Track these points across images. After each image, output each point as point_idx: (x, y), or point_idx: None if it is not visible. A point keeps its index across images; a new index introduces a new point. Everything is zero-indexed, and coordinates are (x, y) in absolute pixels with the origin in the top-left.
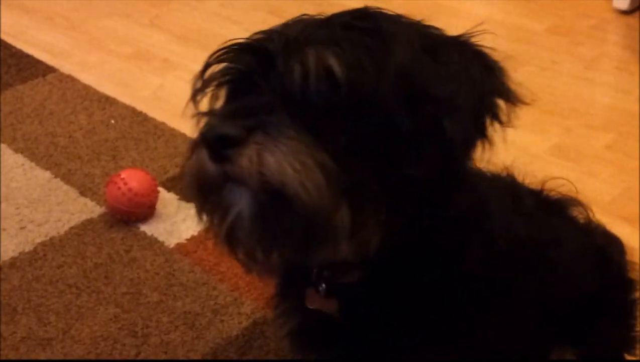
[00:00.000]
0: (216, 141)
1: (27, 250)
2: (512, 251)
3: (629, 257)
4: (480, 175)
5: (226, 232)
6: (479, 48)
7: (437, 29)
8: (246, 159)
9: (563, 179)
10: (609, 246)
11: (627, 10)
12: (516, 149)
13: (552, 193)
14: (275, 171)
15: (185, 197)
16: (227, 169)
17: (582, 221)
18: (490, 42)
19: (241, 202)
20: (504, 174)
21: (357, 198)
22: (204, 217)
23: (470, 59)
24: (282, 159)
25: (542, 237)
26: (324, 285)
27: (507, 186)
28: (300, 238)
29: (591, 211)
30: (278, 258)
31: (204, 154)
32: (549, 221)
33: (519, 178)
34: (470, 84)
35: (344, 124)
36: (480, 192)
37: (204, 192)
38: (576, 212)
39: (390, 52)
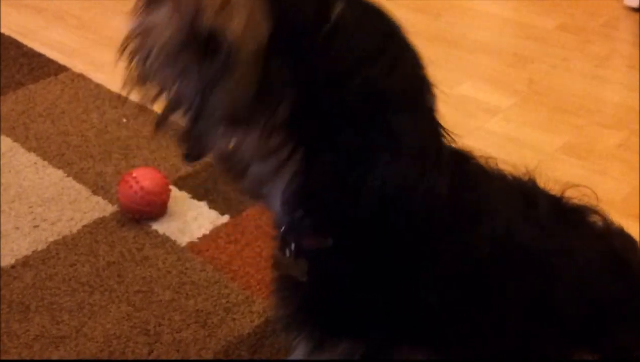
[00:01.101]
0: None
1: (40, 248)
2: (511, 255)
3: None
4: (496, 177)
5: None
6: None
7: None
8: None
9: (585, 187)
10: (627, 251)
11: (638, 7)
12: (527, 147)
13: (572, 200)
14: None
15: (197, 195)
16: None
17: (600, 225)
18: (500, 40)
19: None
20: (525, 177)
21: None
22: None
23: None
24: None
25: (548, 244)
26: (293, 245)
27: (523, 191)
28: None
29: (611, 217)
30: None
31: None
32: (560, 228)
33: (540, 182)
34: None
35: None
36: (478, 194)
37: None
38: (595, 219)
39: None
